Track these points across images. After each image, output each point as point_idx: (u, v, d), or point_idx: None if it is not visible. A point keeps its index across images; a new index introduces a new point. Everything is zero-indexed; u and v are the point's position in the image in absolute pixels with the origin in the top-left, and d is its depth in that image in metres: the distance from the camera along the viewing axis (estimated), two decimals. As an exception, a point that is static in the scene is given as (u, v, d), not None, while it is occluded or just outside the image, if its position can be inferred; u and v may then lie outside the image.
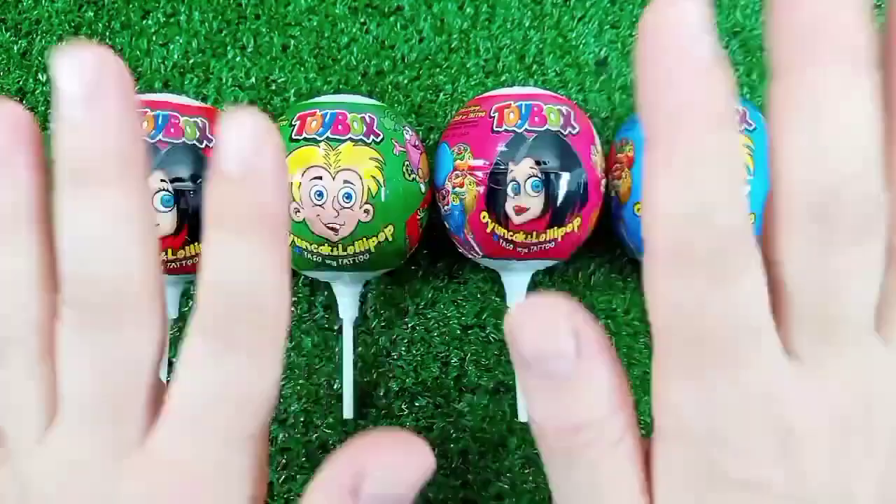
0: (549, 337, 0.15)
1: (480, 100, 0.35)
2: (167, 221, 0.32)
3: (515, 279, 0.38)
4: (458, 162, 0.34)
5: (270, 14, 0.43)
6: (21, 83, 0.41)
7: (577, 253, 0.40)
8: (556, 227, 0.34)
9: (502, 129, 0.33)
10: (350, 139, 0.33)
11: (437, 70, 0.43)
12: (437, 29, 0.43)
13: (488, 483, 0.38)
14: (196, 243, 0.33)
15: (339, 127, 0.33)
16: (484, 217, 0.33)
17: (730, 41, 0.43)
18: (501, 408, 0.39)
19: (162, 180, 0.32)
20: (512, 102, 0.34)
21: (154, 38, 0.42)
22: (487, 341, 0.40)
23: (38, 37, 0.42)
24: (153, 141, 0.32)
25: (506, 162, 0.33)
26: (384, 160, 0.33)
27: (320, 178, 0.32)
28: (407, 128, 0.34)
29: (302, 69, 0.42)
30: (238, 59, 0.42)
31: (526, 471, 0.38)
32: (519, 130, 0.33)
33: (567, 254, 0.36)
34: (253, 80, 0.42)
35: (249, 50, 0.42)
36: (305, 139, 0.33)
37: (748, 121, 0.34)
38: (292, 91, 0.42)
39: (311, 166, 0.32)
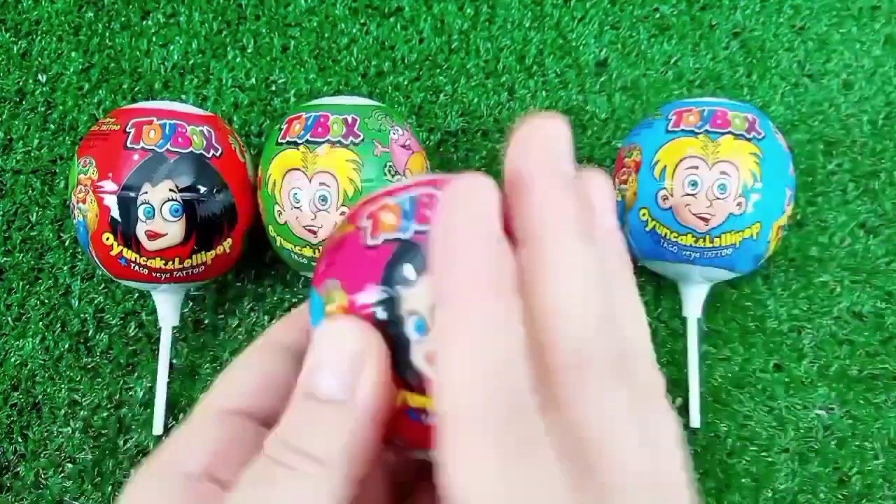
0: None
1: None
2: (176, 231, 0.32)
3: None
4: None
5: (270, 15, 0.43)
6: (21, 83, 0.41)
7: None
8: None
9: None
10: (328, 141, 0.33)
11: (438, 71, 0.43)
12: (437, 30, 0.43)
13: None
14: (204, 251, 0.33)
15: (319, 129, 0.33)
16: None
17: (730, 41, 0.43)
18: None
19: (171, 190, 0.32)
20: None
21: (154, 39, 0.42)
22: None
23: (38, 37, 0.42)
24: (161, 150, 0.32)
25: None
26: (362, 162, 0.32)
27: (298, 180, 0.32)
28: (397, 127, 0.34)
29: (302, 70, 0.42)
30: (238, 59, 0.42)
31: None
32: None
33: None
34: (253, 80, 0.42)
35: (249, 51, 0.42)
36: (288, 142, 0.33)
37: (757, 129, 0.34)
38: (292, 92, 0.42)
39: (290, 169, 0.33)
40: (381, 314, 0.16)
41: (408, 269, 0.17)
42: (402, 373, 0.17)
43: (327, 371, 0.16)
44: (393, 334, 0.16)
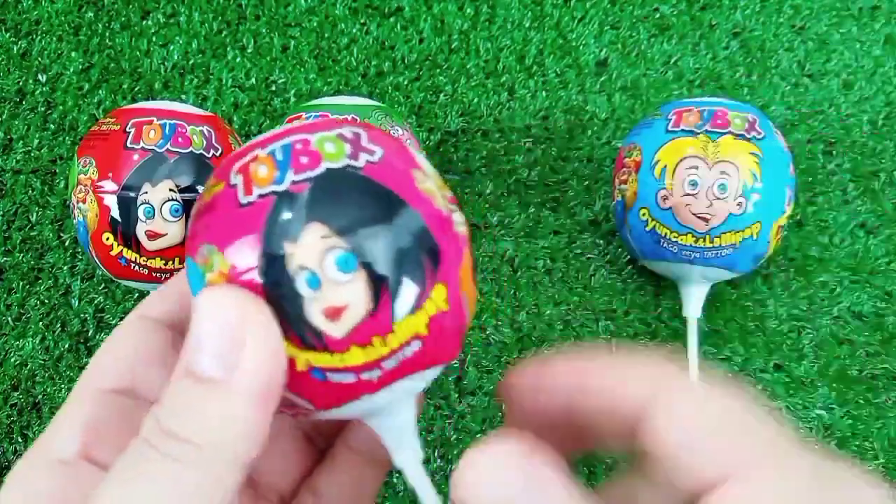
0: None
1: None
2: (176, 231, 0.32)
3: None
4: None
5: (270, 15, 0.43)
6: (21, 83, 0.41)
7: (579, 255, 0.40)
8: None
9: None
10: None
11: (438, 71, 0.43)
12: (437, 30, 0.43)
13: (488, 485, 0.38)
14: None
15: None
16: None
17: (730, 41, 0.43)
18: (502, 410, 0.39)
19: (171, 190, 0.32)
20: None
21: (154, 39, 0.42)
22: (488, 343, 0.40)
23: (38, 37, 0.42)
24: (161, 150, 0.32)
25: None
26: None
27: None
28: (397, 127, 0.34)
29: (302, 70, 0.42)
30: (238, 59, 0.42)
31: (526, 472, 0.38)
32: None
33: None
34: (253, 80, 0.42)
35: (249, 51, 0.42)
36: None
37: (757, 129, 0.34)
38: (292, 92, 0.42)
39: None
40: (268, 275, 0.15)
41: (290, 224, 0.15)
42: (301, 333, 0.15)
43: (206, 348, 0.14)
44: (284, 295, 0.15)
